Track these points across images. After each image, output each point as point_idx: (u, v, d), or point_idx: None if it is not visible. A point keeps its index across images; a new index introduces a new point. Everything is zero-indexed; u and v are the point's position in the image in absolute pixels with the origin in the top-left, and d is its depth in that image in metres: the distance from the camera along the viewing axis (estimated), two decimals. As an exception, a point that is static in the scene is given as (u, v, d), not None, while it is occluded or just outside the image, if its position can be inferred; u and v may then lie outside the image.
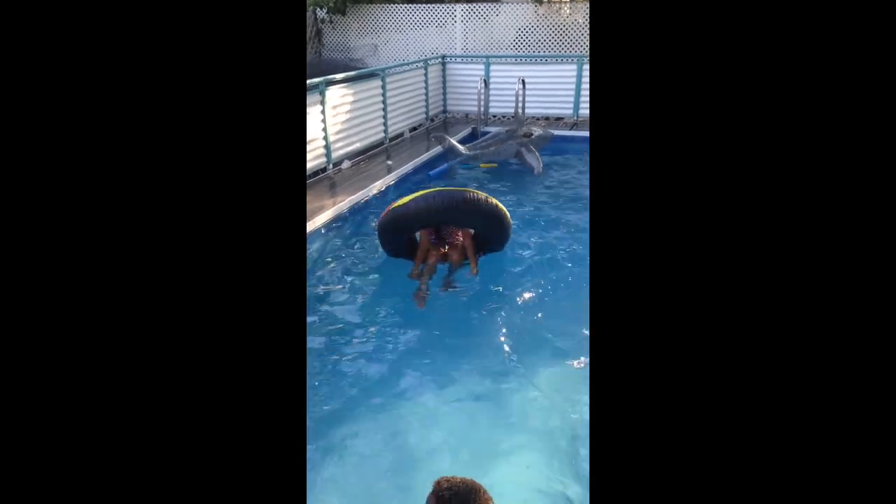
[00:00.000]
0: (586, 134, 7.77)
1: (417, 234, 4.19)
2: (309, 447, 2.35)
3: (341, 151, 6.57)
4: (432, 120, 8.96)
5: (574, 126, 8.49)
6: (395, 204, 3.90)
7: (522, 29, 9.70)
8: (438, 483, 1.46)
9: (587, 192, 5.75)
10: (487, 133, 7.86)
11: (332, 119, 6.27)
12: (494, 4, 9.74)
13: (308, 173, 5.98)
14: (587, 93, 8.42)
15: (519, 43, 9.77)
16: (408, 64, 8.47)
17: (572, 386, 2.94)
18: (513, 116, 8.25)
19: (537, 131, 7.41)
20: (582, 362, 3.12)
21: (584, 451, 2.44)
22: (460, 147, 6.96)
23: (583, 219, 5.16)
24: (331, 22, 10.64)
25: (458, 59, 9.38)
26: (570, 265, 4.31)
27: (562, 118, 8.84)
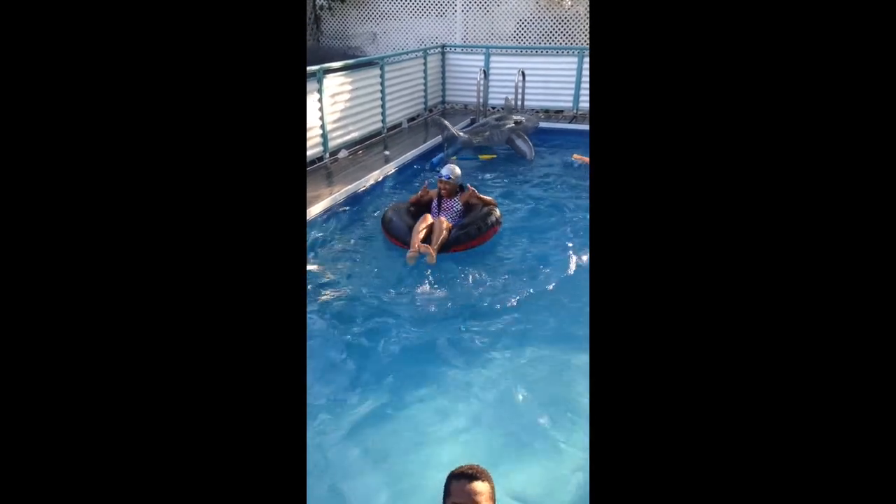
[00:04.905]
0: (585, 127, 7.72)
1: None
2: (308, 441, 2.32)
3: (338, 141, 6.51)
4: (431, 110, 8.90)
5: (574, 119, 8.44)
6: None
7: (523, 20, 9.62)
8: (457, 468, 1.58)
9: (586, 186, 5.71)
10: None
11: (330, 108, 6.20)
12: (495, -6, 9.66)
13: (304, 162, 5.93)
14: (587, 86, 8.37)
15: (519, 34, 9.69)
16: (407, 53, 8.40)
17: (578, 378, 2.93)
18: (503, 107, 8.17)
19: (525, 118, 7.40)
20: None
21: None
22: (457, 131, 6.94)
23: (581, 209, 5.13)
24: (329, 9, 10.54)
25: (458, 49, 9.31)
26: (571, 257, 4.29)
27: (561, 111, 8.79)
